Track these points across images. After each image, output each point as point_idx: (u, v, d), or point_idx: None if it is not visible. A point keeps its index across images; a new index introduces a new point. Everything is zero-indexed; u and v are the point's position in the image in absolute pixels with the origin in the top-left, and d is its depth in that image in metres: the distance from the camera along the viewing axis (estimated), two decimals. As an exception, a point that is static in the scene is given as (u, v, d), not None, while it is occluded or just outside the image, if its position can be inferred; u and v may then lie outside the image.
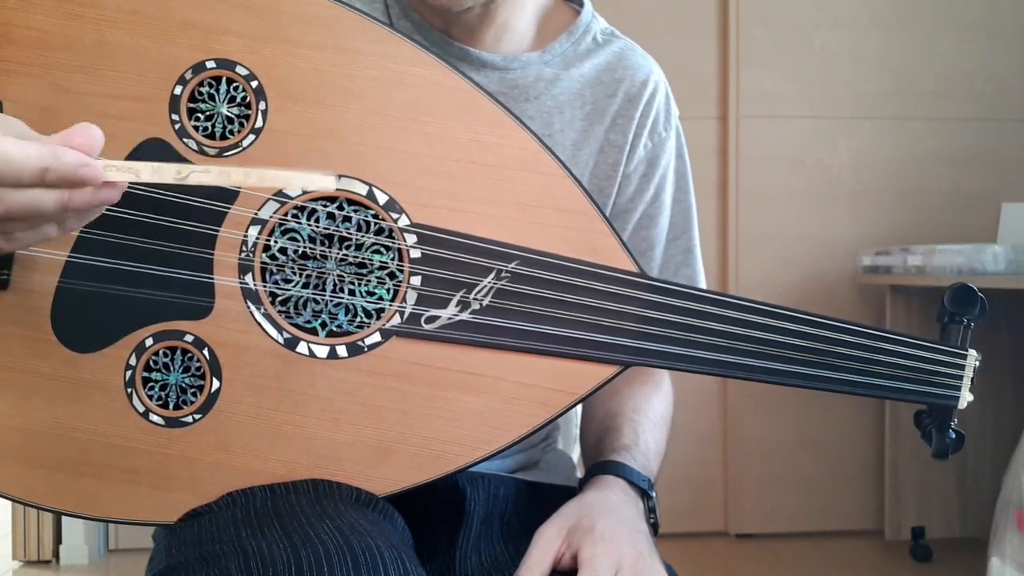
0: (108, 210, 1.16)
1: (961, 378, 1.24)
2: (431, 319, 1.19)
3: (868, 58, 4.54)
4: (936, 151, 4.56)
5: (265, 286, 1.20)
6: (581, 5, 1.58)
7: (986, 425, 4.22)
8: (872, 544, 4.42)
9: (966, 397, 1.25)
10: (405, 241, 1.20)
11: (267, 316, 1.19)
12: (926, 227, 4.50)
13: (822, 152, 4.53)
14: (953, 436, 1.30)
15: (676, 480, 4.42)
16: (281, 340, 1.19)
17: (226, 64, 1.20)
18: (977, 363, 1.25)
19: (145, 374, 1.19)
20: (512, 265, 1.20)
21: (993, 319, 3.69)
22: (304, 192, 1.19)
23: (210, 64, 1.20)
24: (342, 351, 1.19)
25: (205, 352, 1.19)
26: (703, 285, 1.57)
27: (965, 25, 4.56)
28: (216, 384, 1.19)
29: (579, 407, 1.82)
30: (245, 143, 1.19)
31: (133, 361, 1.19)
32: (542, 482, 1.56)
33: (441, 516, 1.42)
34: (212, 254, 1.18)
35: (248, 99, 1.20)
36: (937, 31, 4.55)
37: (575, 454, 1.81)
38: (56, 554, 4.19)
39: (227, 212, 1.18)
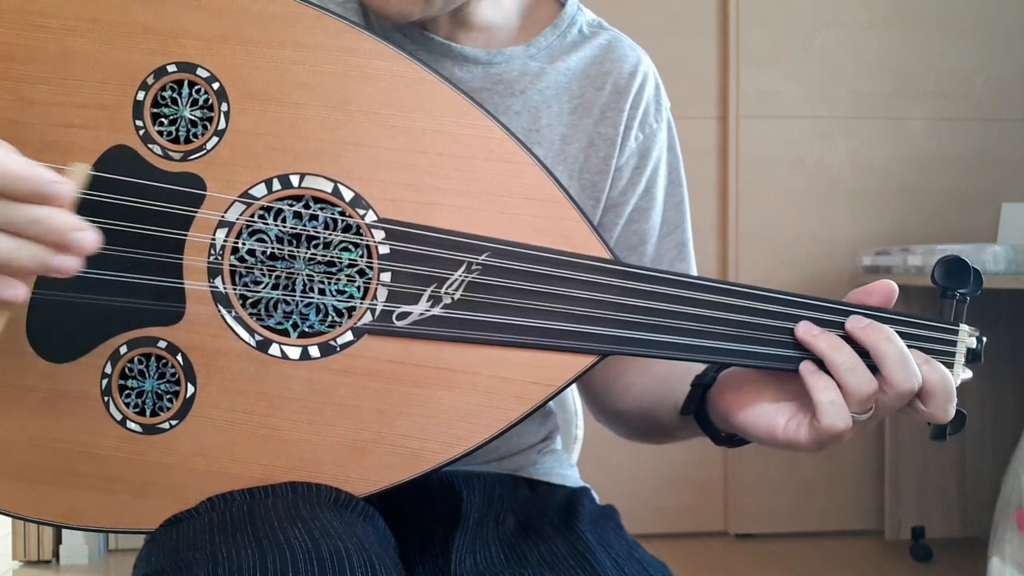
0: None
1: (953, 354, 1.21)
2: (403, 315, 1.19)
3: (868, 58, 4.54)
4: (936, 151, 4.56)
5: (235, 289, 1.19)
6: None
7: (986, 425, 4.22)
8: (872, 544, 4.42)
9: (960, 374, 1.21)
10: (373, 237, 1.19)
11: (238, 319, 1.18)
12: (926, 227, 4.51)
13: (822, 152, 4.53)
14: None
15: (676, 480, 4.43)
16: (253, 343, 1.18)
17: (187, 67, 1.20)
18: (977, 339, 1.22)
19: (121, 382, 1.19)
20: (483, 257, 1.19)
21: (993, 319, 3.72)
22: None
23: (171, 68, 1.20)
24: (314, 351, 1.19)
25: (179, 358, 1.18)
26: None
27: (965, 25, 4.56)
28: (191, 389, 1.18)
29: (580, 407, 1.82)
30: (209, 145, 1.19)
31: (109, 369, 1.18)
32: (541, 480, 1.56)
33: (436, 517, 1.42)
34: (181, 259, 1.18)
35: (210, 101, 1.20)
36: (937, 31, 4.55)
37: (575, 455, 1.80)
38: (56, 554, 4.20)
39: (194, 216, 1.18)
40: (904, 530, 4.30)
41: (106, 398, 1.19)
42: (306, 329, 1.20)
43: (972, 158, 4.57)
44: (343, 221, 1.19)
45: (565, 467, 1.62)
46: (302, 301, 1.20)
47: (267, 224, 1.19)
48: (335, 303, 1.20)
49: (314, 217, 1.19)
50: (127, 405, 1.19)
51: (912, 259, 4.03)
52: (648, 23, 4.39)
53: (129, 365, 1.19)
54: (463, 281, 1.19)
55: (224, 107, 1.19)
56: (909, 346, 1.16)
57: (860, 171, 4.54)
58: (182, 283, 1.18)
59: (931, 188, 4.56)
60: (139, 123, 1.19)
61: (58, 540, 4.19)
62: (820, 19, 4.53)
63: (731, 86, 4.48)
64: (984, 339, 1.23)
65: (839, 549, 4.37)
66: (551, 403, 1.61)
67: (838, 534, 4.53)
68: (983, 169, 4.58)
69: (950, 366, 1.20)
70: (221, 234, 1.18)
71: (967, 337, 1.21)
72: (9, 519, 4.16)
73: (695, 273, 1.59)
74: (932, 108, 4.57)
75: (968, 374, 1.22)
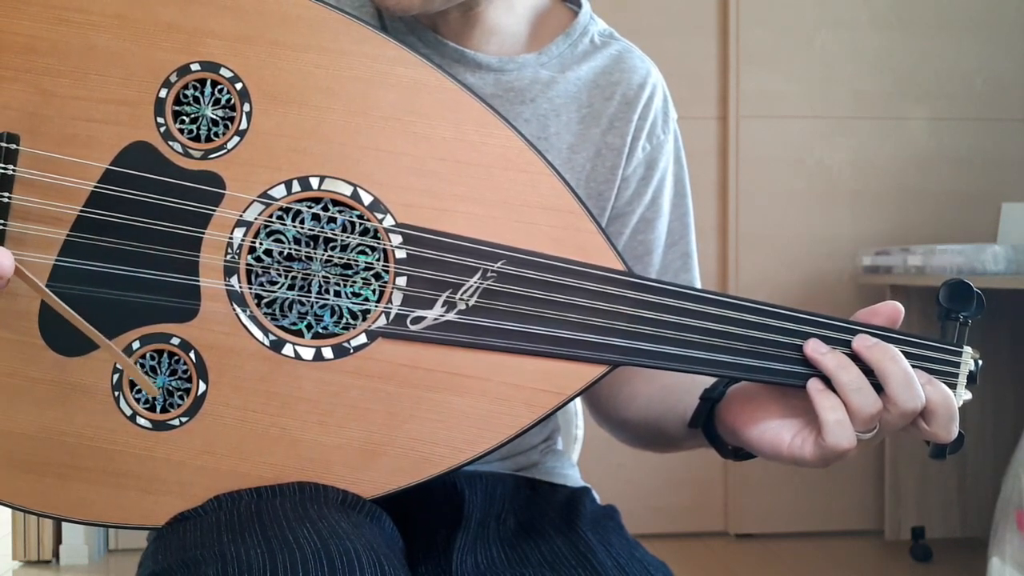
0: (95, 213, 1.17)
1: (956, 376, 1.22)
2: (417, 320, 1.19)
3: (868, 58, 4.54)
4: (936, 151, 4.57)
5: (251, 288, 1.19)
6: (579, 6, 1.57)
7: (986, 425, 4.22)
8: (872, 544, 4.42)
9: (962, 396, 1.23)
10: (390, 242, 1.19)
11: (253, 318, 1.19)
12: (926, 227, 4.51)
13: (822, 152, 4.53)
14: None
15: (676, 480, 4.43)
16: (267, 342, 1.18)
17: (210, 66, 1.20)
18: (975, 361, 1.23)
19: (132, 378, 1.19)
20: (498, 265, 1.19)
21: (993, 319, 3.74)
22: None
23: (195, 67, 1.20)
24: (328, 353, 1.19)
25: (191, 355, 1.18)
26: None
27: (965, 25, 4.56)
28: (203, 387, 1.18)
29: (580, 408, 1.82)
30: (230, 145, 1.19)
31: (120, 364, 1.18)
32: (543, 480, 1.56)
33: (439, 518, 1.43)
34: (198, 256, 1.18)
35: (232, 101, 1.20)
36: (937, 31, 4.55)
37: (575, 455, 1.80)
38: (56, 554, 4.20)
39: (212, 214, 1.18)
40: (904, 530, 4.31)
41: (116, 393, 1.18)
42: (320, 330, 1.20)
43: (972, 158, 4.58)
44: (361, 224, 1.20)
45: (566, 467, 1.62)
46: (317, 302, 1.20)
47: (285, 225, 1.19)
48: (350, 305, 1.20)
49: (332, 220, 1.20)
50: (137, 400, 1.19)
51: (912, 259, 4.03)
52: (648, 23, 4.39)
53: (141, 361, 1.19)
54: (478, 288, 1.19)
55: (246, 107, 1.19)
56: (913, 366, 1.17)
57: (860, 171, 4.55)
58: (198, 280, 1.18)
59: (931, 188, 4.56)
60: (160, 120, 1.19)
61: (58, 540, 4.18)
62: (820, 19, 4.53)
63: (731, 86, 4.48)
64: (980, 362, 1.24)
65: (839, 549, 4.39)
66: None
67: (838, 534, 4.54)
68: (983, 169, 4.58)
69: (952, 387, 1.21)
70: (239, 233, 1.18)
71: (969, 359, 1.22)
72: (10, 519, 4.17)
73: (699, 283, 1.61)
74: (932, 108, 4.58)
75: (968, 396, 1.24)
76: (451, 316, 1.19)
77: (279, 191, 1.19)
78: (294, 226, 1.19)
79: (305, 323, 1.20)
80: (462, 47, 1.46)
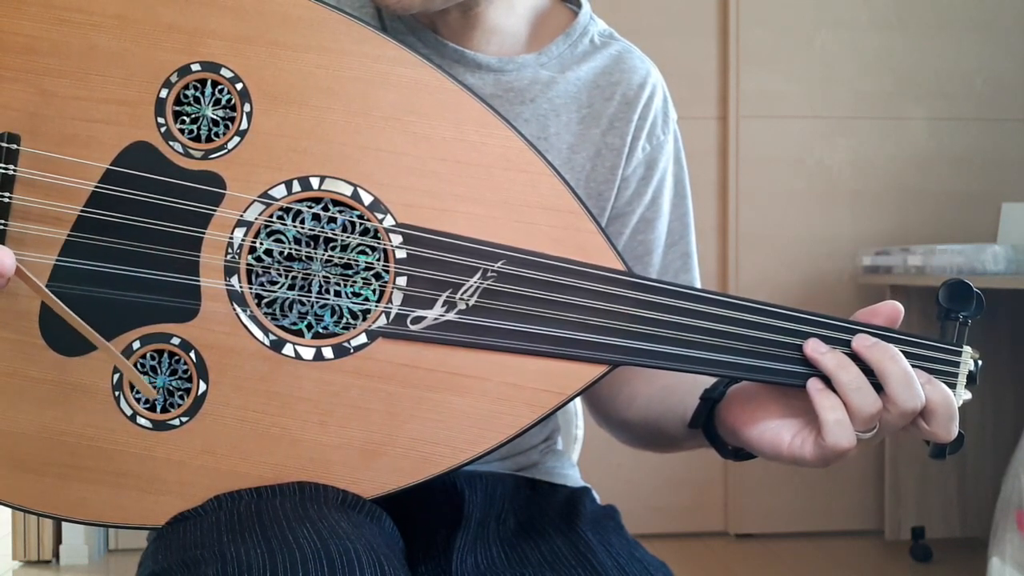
0: (96, 213, 1.17)
1: (956, 375, 1.22)
2: (417, 320, 1.19)
3: (868, 58, 4.55)
4: (936, 151, 4.57)
5: (251, 288, 1.19)
6: (579, 6, 1.57)
7: (986, 425, 4.22)
8: (872, 544, 4.42)
9: (962, 395, 1.23)
10: (390, 242, 1.19)
11: (253, 318, 1.19)
12: (926, 227, 4.51)
13: (822, 152, 4.53)
14: None
15: (676, 480, 4.43)
16: (267, 342, 1.18)
17: (211, 67, 1.20)
18: (975, 361, 1.23)
19: (130, 379, 1.19)
20: (498, 265, 1.19)
21: (993, 319, 3.75)
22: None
23: (195, 67, 1.20)
24: (328, 353, 1.19)
25: (192, 355, 1.18)
26: None
27: (965, 25, 4.56)
28: (203, 387, 1.18)
29: (580, 408, 1.82)
30: (230, 145, 1.19)
31: (118, 366, 1.18)
32: (543, 480, 1.56)
33: (439, 518, 1.43)
34: (198, 256, 1.18)
35: (233, 101, 1.20)
36: (937, 31, 4.55)
37: (575, 455, 1.80)
38: (56, 554, 4.20)
39: (213, 214, 1.18)
40: (904, 530, 4.31)
41: (117, 393, 1.18)
42: (320, 330, 1.20)
43: (972, 158, 4.58)
44: (361, 224, 1.20)
45: (566, 467, 1.62)
46: (317, 302, 1.20)
47: (285, 225, 1.19)
48: (350, 305, 1.20)
49: (332, 220, 1.20)
50: (138, 400, 1.19)
51: (912, 259, 4.03)
52: (648, 23, 4.39)
53: (141, 360, 1.19)
54: (478, 288, 1.19)
55: (247, 108, 1.19)
56: (913, 366, 1.17)
57: (860, 171, 4.55)
58: (198, 280, 1.18)
59: (931, 188, 4.57)
60: (161, 120, 1.19)
61: (58, 540, 4.19)
62: (820, 19, 4.53)
63: (731, 86, 4.49)
64: (980, 362, 1.24)
65: (839, 549, 4.39)
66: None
67: (838, 534, 4.54)
68: (983, 169, 4.58)
69: (952, 387, 1.21)
70: (239, 233, 1.18)
71: (968, 359, 1.22)
72: (10, 519, 4.17)
73: (699, 283, 1.61)
74: (932, 108, 4.58)
75: (968, 396, 1.23)
76: (451, 316, 1.19)
77: (279, 191, 1.19)
78: (294, 226, 1.19)
79: (305, 323, 1.20)
80: (462, 47, 1.46)
